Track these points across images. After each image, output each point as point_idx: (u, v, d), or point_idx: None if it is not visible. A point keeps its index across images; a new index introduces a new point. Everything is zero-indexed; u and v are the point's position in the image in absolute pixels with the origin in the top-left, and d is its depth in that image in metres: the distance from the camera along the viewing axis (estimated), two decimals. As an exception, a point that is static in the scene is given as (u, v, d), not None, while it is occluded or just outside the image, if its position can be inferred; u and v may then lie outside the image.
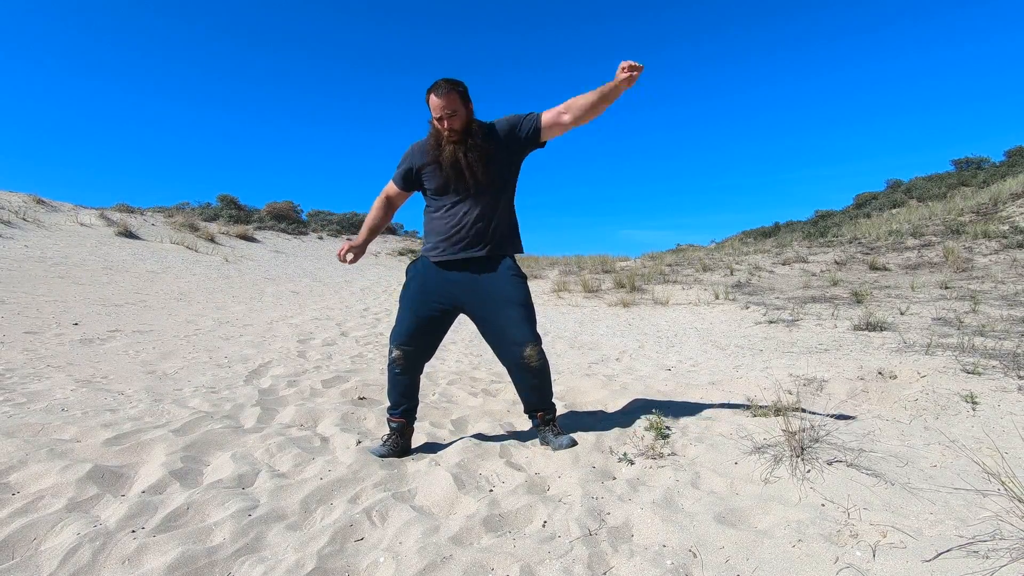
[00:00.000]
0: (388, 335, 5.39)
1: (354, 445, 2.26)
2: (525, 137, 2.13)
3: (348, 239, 2.11)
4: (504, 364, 2.25)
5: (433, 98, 2.04)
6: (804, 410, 2.58)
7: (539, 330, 2.27)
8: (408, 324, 2.17)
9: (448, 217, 2.16)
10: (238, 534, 1.51)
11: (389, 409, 2.24)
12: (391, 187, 2.32)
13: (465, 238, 2.14)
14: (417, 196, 2.36)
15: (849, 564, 1.34)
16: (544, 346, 2.32)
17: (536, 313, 2.25)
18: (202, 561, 1.38)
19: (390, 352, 2.19)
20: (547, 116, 2.10)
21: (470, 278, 2.16)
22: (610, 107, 2.04)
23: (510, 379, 3.54)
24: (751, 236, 20.45)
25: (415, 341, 2.17)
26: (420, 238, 23.29)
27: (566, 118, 2.07)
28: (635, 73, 1.91)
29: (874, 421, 2.48)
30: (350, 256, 2.27)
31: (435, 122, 2.09)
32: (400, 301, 2.24)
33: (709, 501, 1.71)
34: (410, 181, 2.26)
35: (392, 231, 23.84)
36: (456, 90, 2.04)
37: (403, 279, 2.32)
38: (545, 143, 2.17)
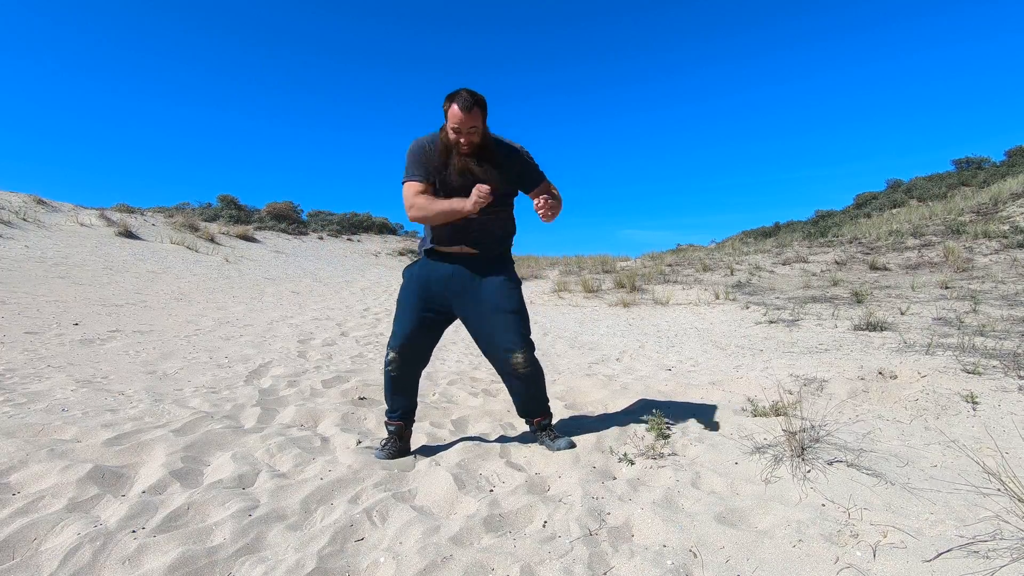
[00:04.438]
0: (389, 336, 5.40)
1: (354, 445, 2.26)
2: (522, 186, 2.24)
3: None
4: (495, 369, 2.26)
5: (456, 109, 1.94)
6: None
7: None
8: (406, 327, 2.16)
9: (450, 225, 2.12)
10: (238, 534, 1.51)
11: (387, 412, 2.24)
12: (419, 186, 2.08)
13: (465, 243, 2.14)
14: None
15: (849, 564, 1.34)
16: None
17: (530, 319, 2.23)
18: (202, 561, 1.38)
19: (387, 355, 2.18)
20: (535, 191, 2.23)
21: (466, 279, 2.16)
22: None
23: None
24: (751, 236, 20.44)
25: (412, 344, 2.17)
26: (420, 237, 23.18)
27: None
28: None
29: (874, 421, 2.48)
30: (488, 194, 1.99)
31: (449, 131, 2.00)
32: (398, 304, 2.23)
33: (709, 501, 1.71)
34: (432, 179, 2.11)
35: (392, 231, 23.83)
36: (479, 105, 1.97)
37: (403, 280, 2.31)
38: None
